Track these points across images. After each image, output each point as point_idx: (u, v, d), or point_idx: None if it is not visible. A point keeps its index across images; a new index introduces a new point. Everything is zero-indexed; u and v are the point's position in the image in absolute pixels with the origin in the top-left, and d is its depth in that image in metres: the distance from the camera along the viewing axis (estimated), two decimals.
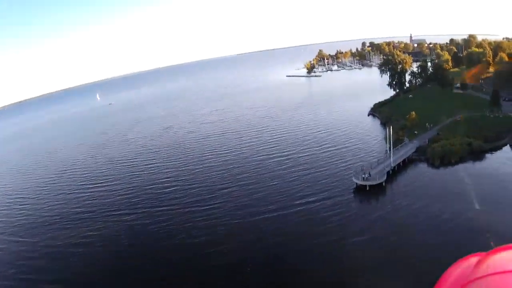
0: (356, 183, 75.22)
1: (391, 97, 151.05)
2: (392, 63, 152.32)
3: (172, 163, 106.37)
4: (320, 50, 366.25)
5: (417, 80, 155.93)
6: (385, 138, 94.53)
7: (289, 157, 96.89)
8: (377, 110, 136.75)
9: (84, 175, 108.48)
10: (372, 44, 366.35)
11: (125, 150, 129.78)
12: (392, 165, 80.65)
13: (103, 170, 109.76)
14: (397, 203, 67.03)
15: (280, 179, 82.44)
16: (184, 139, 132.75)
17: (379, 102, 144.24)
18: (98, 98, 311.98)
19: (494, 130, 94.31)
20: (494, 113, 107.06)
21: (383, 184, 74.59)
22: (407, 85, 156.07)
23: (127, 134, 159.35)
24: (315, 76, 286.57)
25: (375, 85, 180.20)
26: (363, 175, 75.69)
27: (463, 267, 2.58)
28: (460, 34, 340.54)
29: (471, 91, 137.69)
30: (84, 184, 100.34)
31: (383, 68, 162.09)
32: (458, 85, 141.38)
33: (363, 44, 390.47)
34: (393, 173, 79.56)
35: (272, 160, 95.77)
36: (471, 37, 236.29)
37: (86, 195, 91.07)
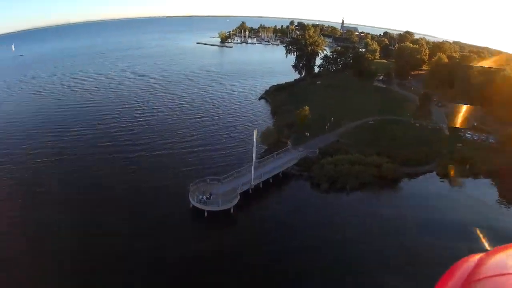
0: (193, 205, 52.65)
1: (295, 80, 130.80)
2: (301, 44, 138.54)
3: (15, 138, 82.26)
4: (243, 23, 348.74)
5: (330, 66, 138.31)
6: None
7: (139, 154, 72.25)
8: (272, 94, 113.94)
9: None
10: (299, 24, 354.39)
11: None
12: (253, 182, 57.74)
13: None
14: (242, 245, 46.65)
15: (112, 185, 60.17)
16: (47, 108, 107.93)
17: (277, 85, 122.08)
18: (13, 49, 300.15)
19: (418, 147, 69.99)
20: (421, 120, 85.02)
21: (231, 211, 52.36)
22: (318, 69, 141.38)
23: None
24: (227, 47, 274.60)
25: (286, 64, 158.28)
26: (200, 196, 52.72)
27: (463, 268, 2.68)
28: (397, 30, 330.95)
29: (396, 87, 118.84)
30: None
31: (289, 47, 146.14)
32: (382, 77, 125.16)
33: (291, 23, 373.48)
34: (255, 194, 57.46)
35: (115, 153, 72.38)
36: (408, 33, 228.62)
37: None
